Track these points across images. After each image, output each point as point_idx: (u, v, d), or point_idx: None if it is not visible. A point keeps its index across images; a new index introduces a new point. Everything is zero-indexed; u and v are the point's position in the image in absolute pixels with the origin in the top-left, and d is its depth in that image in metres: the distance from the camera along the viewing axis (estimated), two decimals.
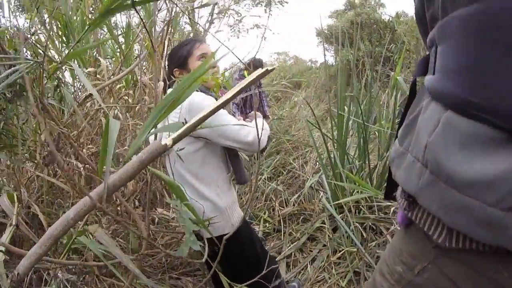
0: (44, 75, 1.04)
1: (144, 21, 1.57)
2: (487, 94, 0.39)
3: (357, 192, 2.30)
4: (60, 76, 1.28)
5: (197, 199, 1.39)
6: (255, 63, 3.83)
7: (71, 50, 1.09)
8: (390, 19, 10.09)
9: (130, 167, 0.51)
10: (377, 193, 1.84)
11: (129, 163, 0.51)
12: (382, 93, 3.48)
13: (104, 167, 0.57)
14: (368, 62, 3.99)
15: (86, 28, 0.92)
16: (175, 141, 0.51)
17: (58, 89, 1.09)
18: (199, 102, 1.31)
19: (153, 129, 0.69)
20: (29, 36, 1.78)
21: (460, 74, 0.42)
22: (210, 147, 1.43)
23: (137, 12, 0.81)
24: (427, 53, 0.56)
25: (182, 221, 0.79)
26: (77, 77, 1.74)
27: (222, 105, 0.57)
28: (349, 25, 10.08)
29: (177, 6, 1.24)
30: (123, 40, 1.92)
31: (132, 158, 0.60)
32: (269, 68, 0.55)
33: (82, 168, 1.40)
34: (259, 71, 0.55)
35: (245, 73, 3.99)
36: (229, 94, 0.56)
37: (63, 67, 1.40)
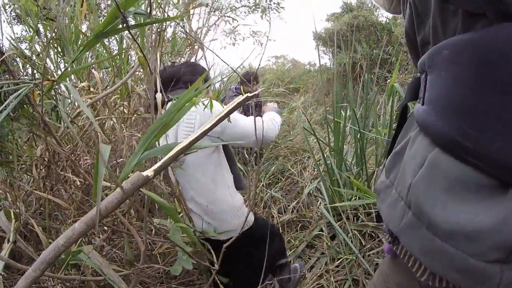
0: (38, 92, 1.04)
1: (135, 37, 1.57)
2: (479, 139, 0.37)
3: (355, 197, 2.30)
4: (57, 90, 1.29)
5: (213, 202, 1.45)
6: (247, 77, 3.83)
7: (68, 68, 1.10)
8: (387, 21, 10.11)
9: (115, 198, 0.51)
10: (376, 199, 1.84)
11: (113, 194, 0.51)
12: (379, 97, 3.49)
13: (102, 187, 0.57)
14: (365, 64, 4.00)
15: (80, 49, 0.93)
16: (157, 172, 0.52)
17: (56, 109, 1.10)
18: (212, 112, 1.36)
19: (145, 153, 0.69)
20: (26, 51, 1.79)
21: (450, 111, 0.40)
22: (221, 150, 1.50)
23: (131, 35, 0.81)
24: (418, 75, 0.54)
25: (174, 238, 0.80)
26: (77, 85, 1.74)
27: (209, 130, 0.57)
28: (346, 28, 10.11)
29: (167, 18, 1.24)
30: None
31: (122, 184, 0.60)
32: (253, 94, 0.56)
33: (78, 182, 1.41)
34: (241, 97, 0.56)
35: (242, 89, 3.98)
36: (214, 119, 0.57)
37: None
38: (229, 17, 3.59)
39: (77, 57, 0.97)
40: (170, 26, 2.64)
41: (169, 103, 1.39)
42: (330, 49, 11.18)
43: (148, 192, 0.75)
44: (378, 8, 10.55)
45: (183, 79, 1.53)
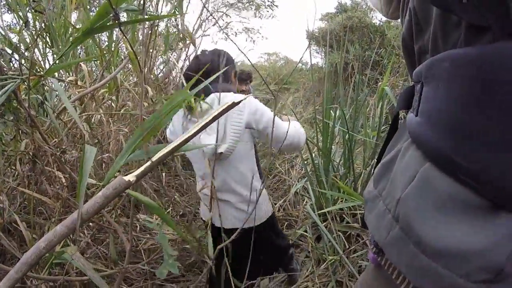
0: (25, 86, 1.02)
1: (126, 32, 1.55)
2: (474, 157, 0.35)
3: (341, 200, 2.31)
4: (45, 84, 1.26)
5: (252, 191, 1.51)
6: (242, 76, 3.81)
7: (55, 63, 1.08)
8: (381, 24, 10.16)
9: (96, 202, 0.50)
10: (363, 201, 1.84)
11: (95, 197, 0.51)
12: (370, 98, 3.50)
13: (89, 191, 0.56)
14: (357, 65, 4.02)
15: (68, 44, 0.91)
16: (139, 177, 0.51)
17: (43, 105, 1.08)
18: (259, 104, 1.46)
19: (132, 154, 0.68)
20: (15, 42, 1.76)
21: (445, 126, 0.38)
22: (254, 144, 1.55)
23: (122, 32, 0.80)
24: (412, 83, 0.53)
25: (161, 241, 0.79)
26: (61, 82, 1.71)
27: (193, 136, 0.57)
28: (339, 28, 10.13)
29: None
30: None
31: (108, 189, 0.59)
32: (238, 100, 0.56)
33: (63, 179, 1.39)
34: (226, 104, 0.56)
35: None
36: (200, 125, 0.56)
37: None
38: (222, 12, 3.57)
39: (65, 53, 0.95)
40: (163, 21, 2.62)
41: (212, 95, 1.41)
42: (323, 49, 11.21)
43: (133, 192, 0.74)
44: (372, 10, 10.60)
45: (214, 69, 1.52)
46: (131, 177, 0.50)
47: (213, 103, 1.37)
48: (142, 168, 0.51)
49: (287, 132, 1.43)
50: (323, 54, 11.97)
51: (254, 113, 1.43)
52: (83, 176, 0.52)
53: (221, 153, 1.38)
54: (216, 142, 1.31)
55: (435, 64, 0.41)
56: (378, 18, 10.84)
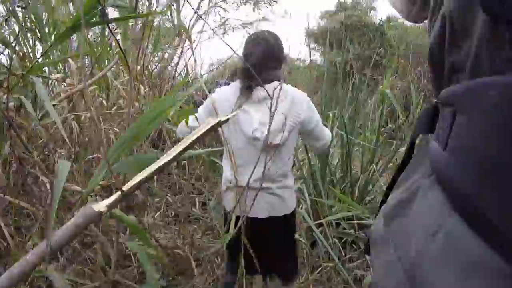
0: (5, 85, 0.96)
1: (117, 29, 1.48)
2: None
3: (338, 208, 2.25)
4: (28, 83, 1.20)
5: (291, 179, 1.55)
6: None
7: (37, 61, 1.01)
8: (381, 23, 10.10)
9: (66, 233, 0.44)
10: (363, 211, 1.78)
11: (66, 226, 0.45)
12: (369, 99, 3.45)
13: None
14: (356, 65, 3.95)
15: (56, 37, 0.85)
16: (110, 207, 0.45)
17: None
18: (303, 94, 1.49)
19: (113, 167, 0.62)
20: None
21: (485, 175, 0.30)
22: None
23: (110, 29, 0.73)
24: (434, 101, 0.43)
25: (142, 261, 0.73)
26: (50, 77, 1.64)
27: (182, 152, 0.51)
28: (339, 27, 10.06)
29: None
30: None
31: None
32: (225, 118, 0.50)
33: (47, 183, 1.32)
34: (213, 122, 0.50)
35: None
36: (187, 141, 0.50)
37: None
38: (220, 7, 3.49)
39: (48, 50, 0.89)
40: (158, 17, 2.53)
41: (271, 85, 1.34)
42: (321, 47, 11.14)
43: (117, 211, 0.68)
44: (372, 9, 10.55)
45: (276, 55, 1.47)
46: (102, 207, 0.44)
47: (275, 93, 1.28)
48: (113, 198, 0.45)
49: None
50: (321, 52, 11.92)
51: (310, 110, 1.47)
52: (53, 204, 0.46)
53: (277, 143, 1.37)
54: (270, 132, 1.27)
55: (477, 90, 0.32)
56: (378, 17, 10.78)
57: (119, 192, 0.45)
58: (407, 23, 9.59)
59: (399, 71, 7.64)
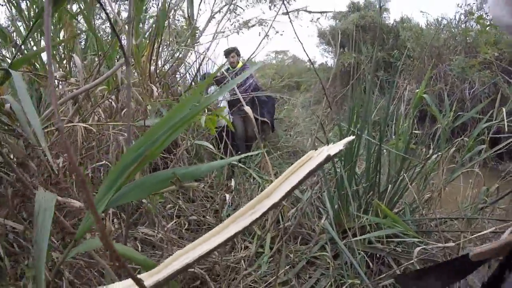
0: None
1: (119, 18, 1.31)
2: None
3: (366, 219, 2.06)
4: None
5: None
6: (229, 49, 4.05)
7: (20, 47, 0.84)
8: (395, 24, 9.87)
9: None
10: (408, 229, 1.58)
11: None
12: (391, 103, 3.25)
13: None
14: (368, 67, 3.76)
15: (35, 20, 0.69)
16: None
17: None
18: None
19: (114, 196, 0.45)
20: None
21: None
22: None
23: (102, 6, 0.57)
24: None
25: None
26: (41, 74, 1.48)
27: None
28: (352, 27, 9.85)
29: None
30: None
31: None
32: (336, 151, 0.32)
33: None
34: (320, 158, 0.32)
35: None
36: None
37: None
38: (236, 5, 3.33)
39: (29, 35, 0.72)
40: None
41: None
42: (333, 48, 10.94)
43: (119, 246, 0.51)
44: (385, 10, 10.32)
45: None
46: None
47: None
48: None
49: None
50: (332, 53, 11.73)
51: None
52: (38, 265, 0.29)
53: None
54: None
55: None
56: (391, 18, 10.55)
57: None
58: (422, 24, 9.39)
59: (414, 73, 7.41)
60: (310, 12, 5.79)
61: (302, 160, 0.33)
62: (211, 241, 0.31)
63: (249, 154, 1.06)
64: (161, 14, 1.55)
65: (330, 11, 9.28)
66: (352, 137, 0.35)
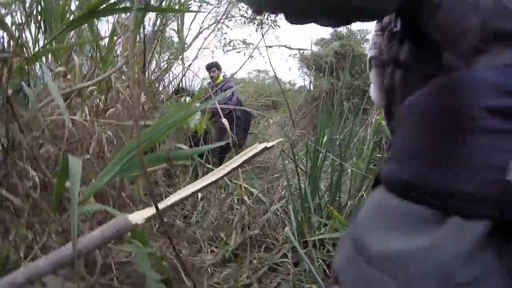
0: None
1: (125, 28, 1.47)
2: (426, 175, 0.39)
3: (325, 226, 2.24)
4: (30, 70, 1.16)
5: None
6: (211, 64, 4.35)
7: (46, 45, 0.99)
8: None
9: (92, 242, 0.42)
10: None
11: (91, 236, 0.43)
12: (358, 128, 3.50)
13: None
14: (345, 93, 4.03)
15: (64, 26, 0.83)
16: (146, 220, 0.44)
17: (22, 91, 0.98)
18: None
19: (124, 166, 0.60)
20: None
21: (405, 157, 0.43)
22: None
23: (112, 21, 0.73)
24: None
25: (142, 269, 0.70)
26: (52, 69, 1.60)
27: (222, 177, 0.49)
28: (332, 54, 10.27)
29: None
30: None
31: None
32: (271, 144, 0.49)
33: (36, 177, 1.27)
34: (260, 147, 0.49)
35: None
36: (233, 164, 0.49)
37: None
38: (224, 24, 3.53)
39: (59, 35, 0.87)
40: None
41: None
42: (313, 72, 11.34)
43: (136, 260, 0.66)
44: (366, 41, 10.84)
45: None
46: (139, 219, 0.42)
47: None
48: (150, 212, 0.43)
49: None
50: (312, 77, 12.12)
51: None
52: (72, 211, 0.43)
53: None
54: None
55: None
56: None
57: (153, 209, 0.43)
58: None
59: None
60: (290, 48, 6.19)
61: (248, 150, 0.51)
62: (195, 185, 0.47)
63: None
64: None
65: (308, 49, 9.88)
66: (280, 139, 0.53)
